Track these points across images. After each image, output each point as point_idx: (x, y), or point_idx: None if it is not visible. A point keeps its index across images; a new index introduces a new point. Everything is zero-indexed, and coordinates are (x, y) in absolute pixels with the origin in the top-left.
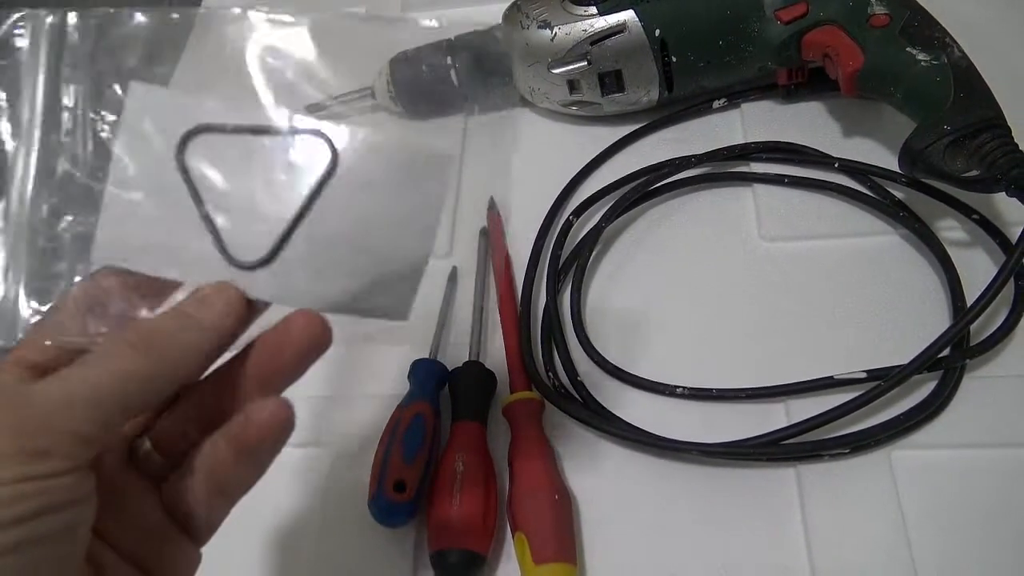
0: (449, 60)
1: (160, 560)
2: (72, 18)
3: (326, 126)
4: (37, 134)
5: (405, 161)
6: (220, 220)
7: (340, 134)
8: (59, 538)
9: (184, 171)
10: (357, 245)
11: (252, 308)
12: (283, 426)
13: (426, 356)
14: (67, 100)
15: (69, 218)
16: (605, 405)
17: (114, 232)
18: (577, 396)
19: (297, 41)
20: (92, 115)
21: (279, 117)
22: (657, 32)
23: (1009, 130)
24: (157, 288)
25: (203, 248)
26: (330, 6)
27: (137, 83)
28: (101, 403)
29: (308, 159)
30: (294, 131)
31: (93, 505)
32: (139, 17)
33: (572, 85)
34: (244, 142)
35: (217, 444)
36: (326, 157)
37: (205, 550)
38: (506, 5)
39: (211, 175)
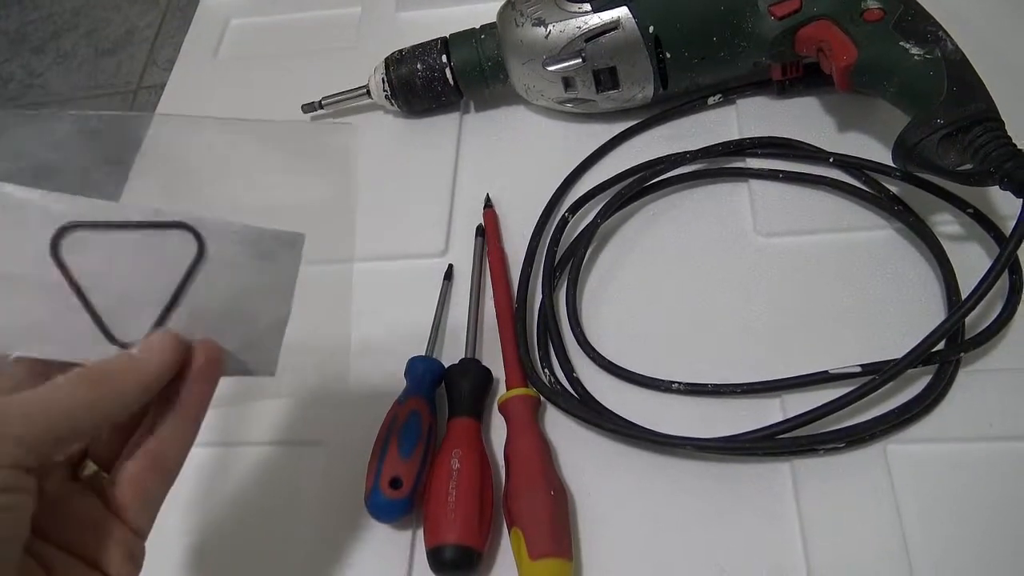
0: (444, 58)
1: (106, 554)
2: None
3: (190, 217)
4: None
5: (262, 242)
6: (100, 305)
7: (205, 224)
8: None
9: (60, 264)
10: (226, 316)
11: (189, 352)
12: (215, 363)
13: (422, 353)
14: None
15: None
16: (601, 401)
17: None
18: (573, 392)
19: (242, 145)
20: None
21: (144, 212)
22: (651, 28)
23: (1002, 123)
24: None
25: (85, 330)
26: (326, 6)
27: (5, 184)
28: (49, 420)
29: (179, 249)
30: (162, 225)
31: (28, 499)
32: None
33: (567, 82)
34: (118, 236)
35: (147, 424)
36: (193, 246)
37: (205, 548)
38: (500, 3)
39: (87, 267)
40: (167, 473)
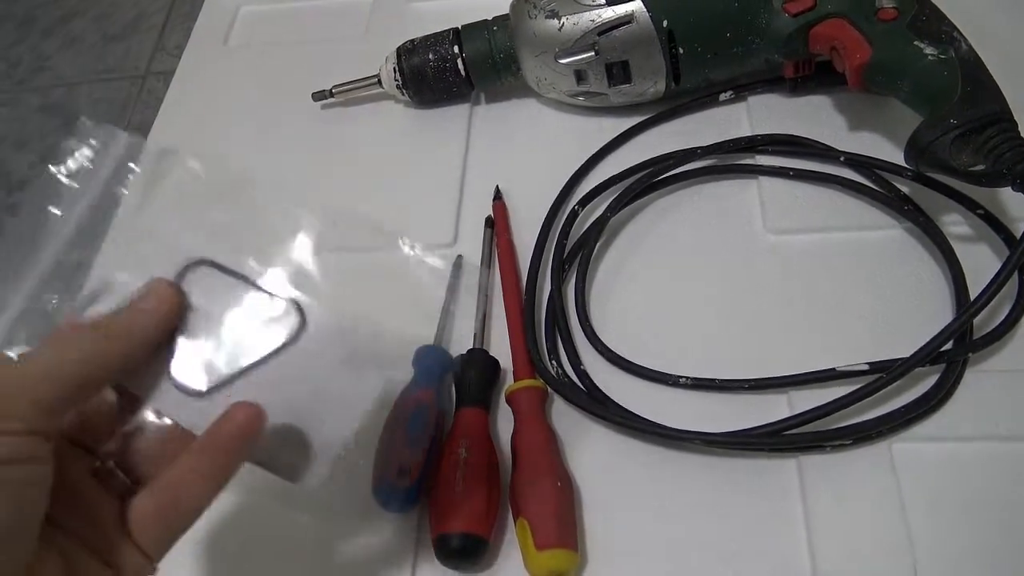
0: (456, 49)
1: (120, 560)
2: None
3: (303, 298)
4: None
5: (359, 352)
6: (181, 341)
7: (313, 309)
8: (15, 488)
9: (179, 289)
10: (290, 408)
11: (184, 297)
12: (253, 424)
13: (431, 343)
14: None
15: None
16: (608, 394)
17: None
18: (580, 385)
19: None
20: None
21: (266, 276)
22: (665, 23)
23: (1016, 125)
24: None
25: (158, 360)
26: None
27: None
28: (61, 378)
29: (279, 321)
30: (275, 294)
31: (47, 470)
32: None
33: (579, 75)
34: (231, 286)
35: (180, 460)
36: (294, 325)
37: (212, 539)
38: None
39: (197, 303)
40: (182, 514)
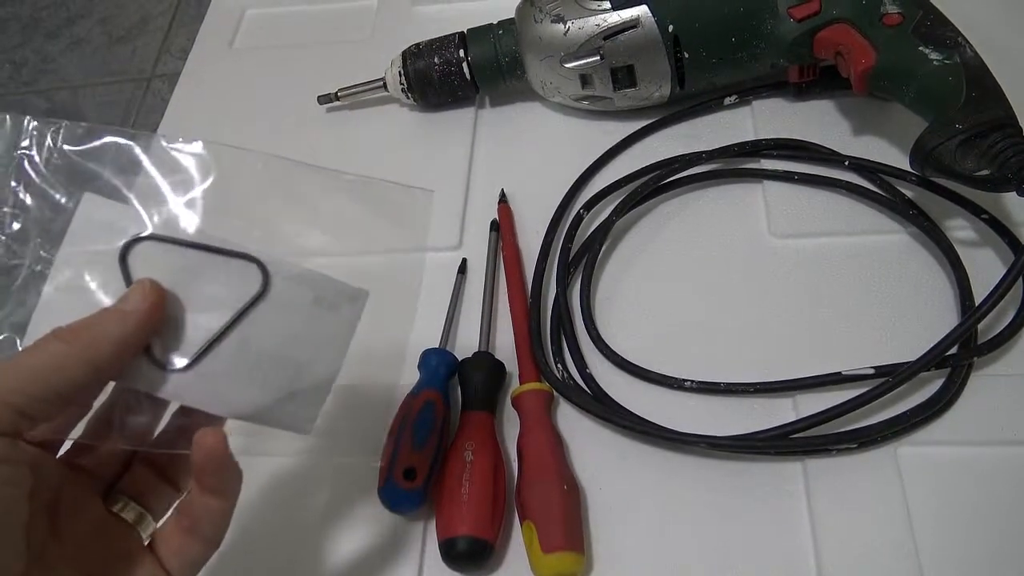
0: (461, 53)
1: None
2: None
3: (261, 251)
4: None
5: (324, 292)
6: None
7: (273, 261)
8: None
9: (125, 273)
10: (274, 360)
11: (165, 297)
12: (216, 453)
13: (436, 346)
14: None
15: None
16: (614, 397)
17: (45, 331)
18: (586, 388)
19: (248, 174)
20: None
21: (220, 240)
22: (670, 28)
23: (1020, 130)
24: None
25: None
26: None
27: (90, 195)
28: (34, 381)
29: (241, 280)
30: (231, 254)
31: (22, 471)
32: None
33: (584, 79)
34: (184, 256)
35: (191, 487)
36: (258, 280)
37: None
38: None
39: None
40: (203, 540)
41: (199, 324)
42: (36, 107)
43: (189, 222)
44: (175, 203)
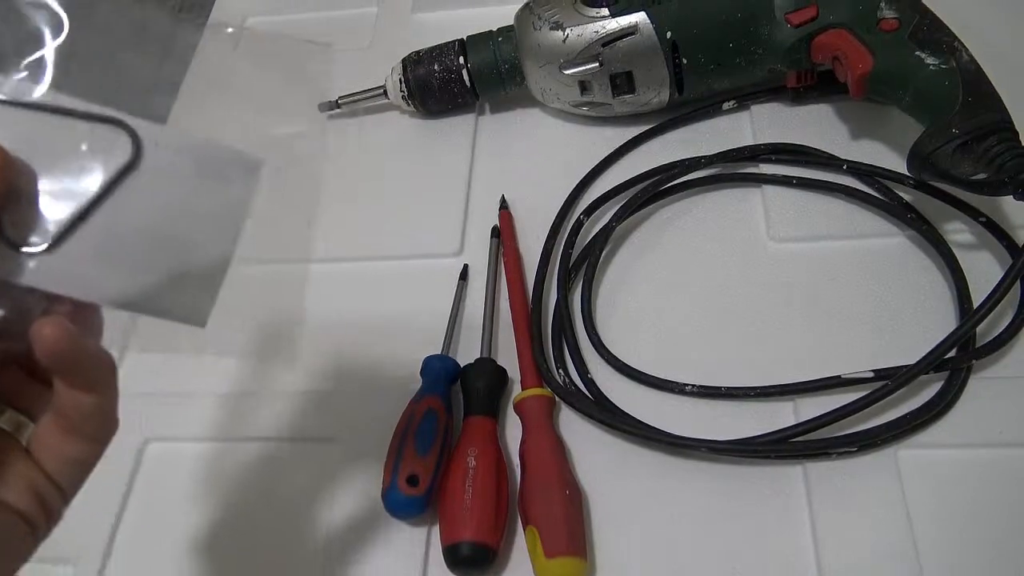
0: (461, 60)
1: (4, 482)
2: None
3: (130, 117)
4: None
5: (211, 161)
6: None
7: (145, 127)
8: None
9: None
10: (154, 240)
11: (13, 161)
12: (61, 341)
13: (438, 352)
14: None
15: None
16: (615, 402)
17: None
18: (587, 393)
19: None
20: None
21: (79, 103)
22: (668, 34)
23: (1017, 134)
24: None
25: None
26: (342, 6)
27: None
28: None
29: (108, 148)
30: (94, 117)
31: None
32: None
33: (583, 86)
34: (38, 121)
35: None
36: (127, 149)
37: (219, 543)
38: (518, 6)
39: None
40: (84, 438)
41: (60, 199)
42: None
43: (39, 84)
44: (23, 62)
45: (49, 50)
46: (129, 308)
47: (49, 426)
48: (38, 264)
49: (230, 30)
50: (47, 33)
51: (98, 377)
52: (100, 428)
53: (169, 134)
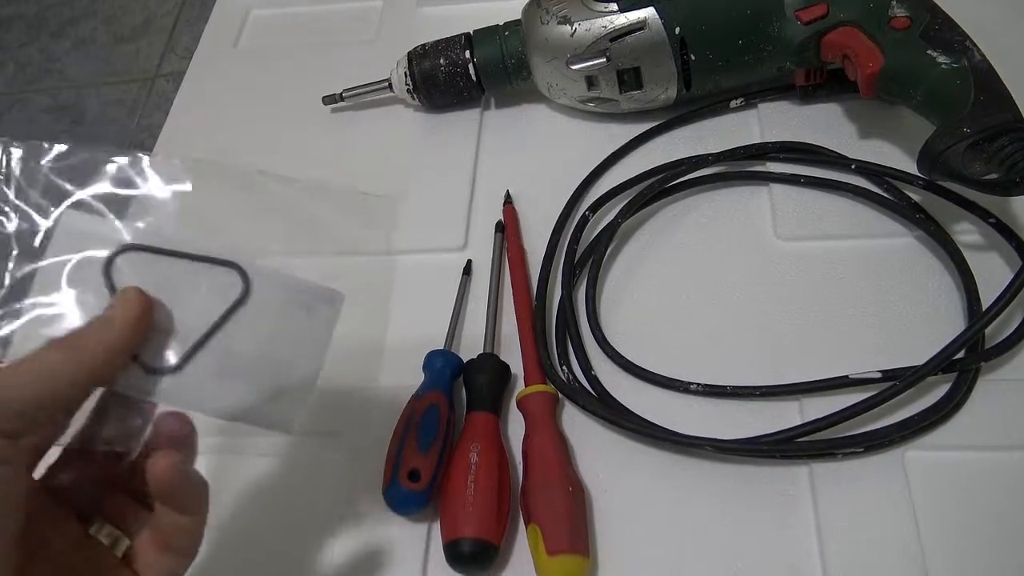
0: (467, 54)
1: None
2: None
3: (240, 257)
4: None
5: (304, 294)
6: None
7: (252, 266)
8: None
9: (110, 283)
10: (258, 362)
11: (152, 304)
12: (168, 477)
13: (441, 347)
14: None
15: None
16: (619, 400)
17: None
18: (591, 390)
19: (223, 187)
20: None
21: (202, 247)
22: (677, 30)
23: None
24: None
25: None
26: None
27: (71, 210)
28: (33, 386)
29: (223, 285)
30: (213, 261)
31: (16, 471)
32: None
33: (590, 81)
34: (166, 264)
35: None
36: (239, 285)
37: (221, 537)
38: (522, 0)
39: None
40: (177, 554)
41: (185, 329)
42: (40, 105)
43: (168, 233)
44: (155, 215)
45: (176, 204)
46: (235, 419)
47: (147, 542)
48: (166, 384)
49: (313, 186)
50: (175, 191)
51: (197, 502)
52: (193, 544)
53: (269, 272)
